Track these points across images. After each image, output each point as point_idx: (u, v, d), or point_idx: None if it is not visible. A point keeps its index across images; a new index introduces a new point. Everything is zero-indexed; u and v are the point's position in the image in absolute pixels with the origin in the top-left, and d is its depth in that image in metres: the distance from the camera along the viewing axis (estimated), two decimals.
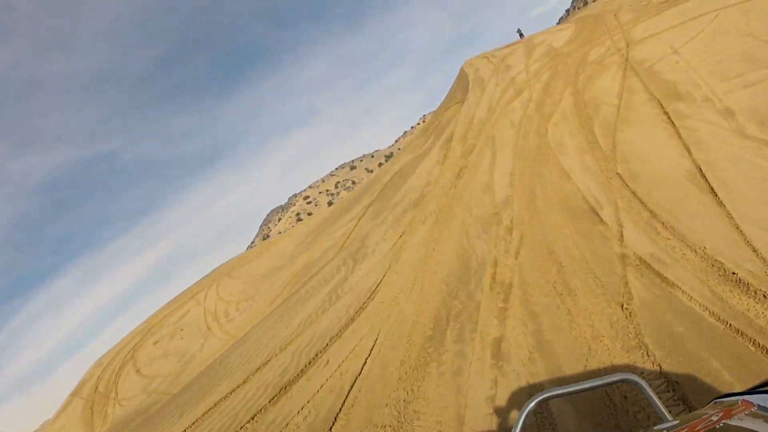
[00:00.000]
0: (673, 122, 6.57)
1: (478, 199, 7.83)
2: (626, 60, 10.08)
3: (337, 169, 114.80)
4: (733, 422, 1.02)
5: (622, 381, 1.36)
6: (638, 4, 15.25)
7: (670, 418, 1.26)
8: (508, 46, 21.78)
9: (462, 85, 19.26)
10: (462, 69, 21.82)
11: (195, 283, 22.34)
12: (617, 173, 6.13)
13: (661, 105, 7.23)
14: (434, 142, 14.08)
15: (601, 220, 5.30)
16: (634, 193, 5.47)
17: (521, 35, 26.08)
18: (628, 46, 10.95)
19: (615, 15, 15.33)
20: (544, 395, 1.36)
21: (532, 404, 1.33)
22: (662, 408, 1.33)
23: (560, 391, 1.35)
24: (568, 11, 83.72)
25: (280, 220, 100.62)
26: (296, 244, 18.38)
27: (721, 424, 1.02)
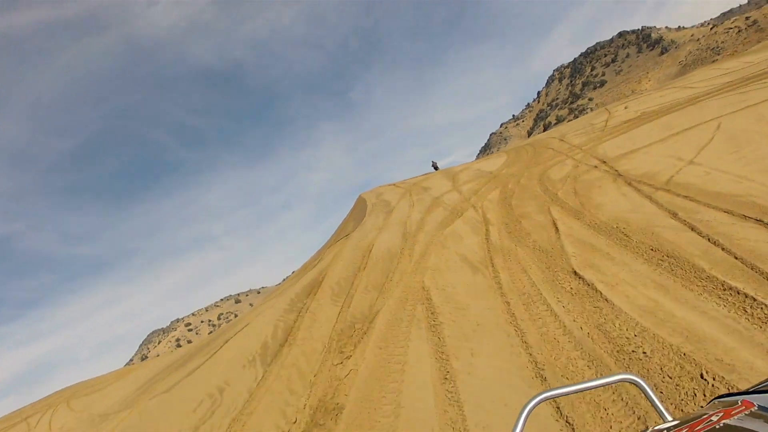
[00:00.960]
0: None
1: None
2: (618, 174, 8.84)
3: (222, 300, 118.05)
4: (733, 422, 1.01)
5: (623, 381, 1.34)
6: (588, 128, 15.58)
7: (670, 418, 1.24)
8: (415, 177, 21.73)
9: (358, 214, 17.70)
10: (360, 198, 20.62)
11: (39, 400, 20.96)
12: None
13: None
14: (283, 301, 10.46)
15: None
16: None
17: (436, 167, 26.75)
18: (605, 162, 10.04)
19: (562, 139, 15.55)
20: (544, 395, 1.28)
21: (532, 404, 1.25)
22: (662, 408, 1.31)
23: (560, 391, 1.30)
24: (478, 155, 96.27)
25: (160, 342, 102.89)
26: (136, 387, 14.33)
27: (721, 424, 1.00)
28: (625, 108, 18.12)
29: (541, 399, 1.28)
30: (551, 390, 1.30)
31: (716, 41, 56.91)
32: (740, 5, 78.59)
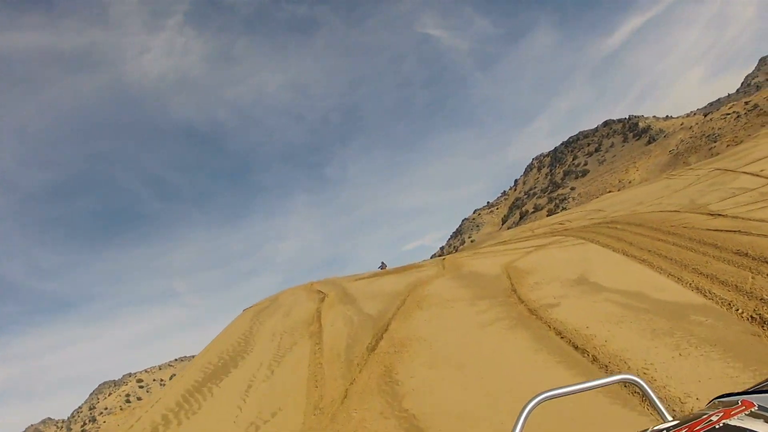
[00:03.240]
0: None
1: None
2: None
3: (176, 360, 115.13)
4: (733, 422, 1.02)
5: (623, 381, 1.36)
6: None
7: (669, 418, 1.25)
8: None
9: (231, 346, 13.58)
10: (242, 314, 16.96)
11: None
12: None
13: None
14: None
15: None
16: None
17: (383, 266, 27.44)
18: None
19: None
20: (544, 395, 1.29)
21: (532, 404, 1.26)
22: (662, 408, 1.34)
23: (560, 391, 1.30)
24: (442, 248, 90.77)
25: (110, 395, 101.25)
26: None
27: (721, 424, 1.02)
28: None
29: (541, 399, 1.26)
30: (551, 390, 1.28)
31: (712, 128, 53.67)
32: (728, 94, 77.05)
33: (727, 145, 48.63)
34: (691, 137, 56.32)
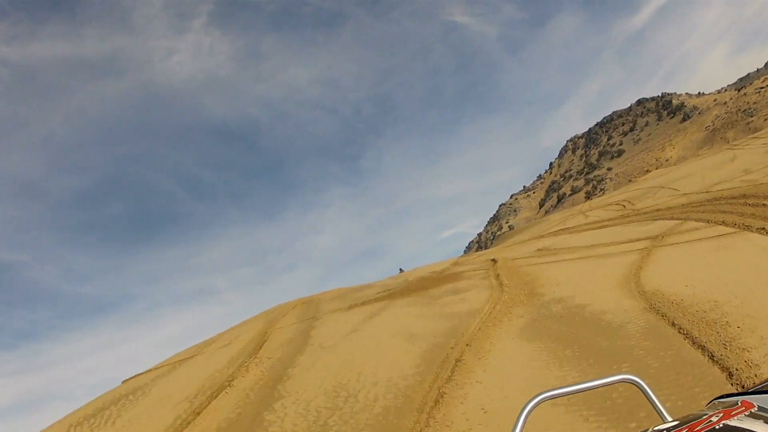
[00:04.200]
0: None
1: None
2: None
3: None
4: (733, 422, 1.02)
5: (623, 381, 1.35)
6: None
7: (669, 419, 1.24)
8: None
9: None
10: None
11: None
12: None
13: None
14: None
15: None
16: None
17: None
18: None
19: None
20: (544, 395, 1.27)
21: (532, 404, 1.23)
22: (662, 408, 1.32)
23: (560, 391, 1.28)
24: (479, 234, 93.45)
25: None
26: None
27: (721, 425, 1.01)
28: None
29: (541, 399, 1.25)
30: (551, 390, 1.28)
31: (747, 102, 54.37)
32: (757, 69, 76.94)
33: (765, 119, 49.66)
34: (726, 113, 56.89)
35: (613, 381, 1.33)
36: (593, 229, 18.78)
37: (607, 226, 18.35)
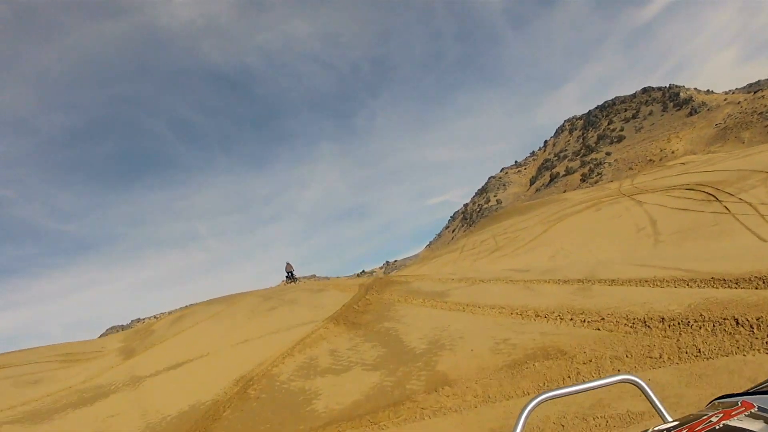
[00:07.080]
0: None
1: None
2: None
3: (188, 306, 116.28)
4: (733, 423, 1.02)
5: (623, 382, 1.35)
6: None
7: (669, 419, 1.26)
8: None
9: None
10: None
11: None
12: None
13: None
14: None
15: None
16: None
17: (291, 276, 24.58)
18: None
19: None
20: (544, 396, 1.27)
21: (532, 404, 1.24)
22: (662, 408, 1.32)
23: (561, 392, 1.29)
24: (466, 205, 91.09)
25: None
26: None
27: (721, 425, 1.02)
28: None
29: (541, 400, 1.25)
30: (551, 391, 1.27)
31: (765, 105, 52.73)
32: None
33: None
34: (740, 113, 55.19)
35: (613, 381, 1.31)
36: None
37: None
